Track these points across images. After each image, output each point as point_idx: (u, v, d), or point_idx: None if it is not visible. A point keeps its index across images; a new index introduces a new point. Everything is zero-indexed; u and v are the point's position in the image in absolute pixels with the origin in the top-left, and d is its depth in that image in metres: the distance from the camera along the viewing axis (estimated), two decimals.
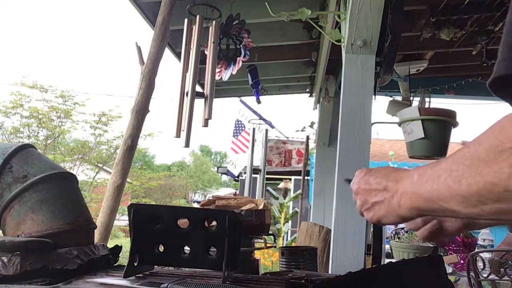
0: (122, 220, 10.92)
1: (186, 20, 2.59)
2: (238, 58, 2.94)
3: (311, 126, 5.87)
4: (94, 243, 1.21)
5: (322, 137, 5.38)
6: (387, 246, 3.16)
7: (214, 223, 1.02)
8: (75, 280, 1.00)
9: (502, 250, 2.66)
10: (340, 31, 2.19)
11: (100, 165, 11.19)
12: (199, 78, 2.65)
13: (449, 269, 2.86)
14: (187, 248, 1.06)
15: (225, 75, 3.03)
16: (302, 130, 6.39)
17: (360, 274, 1.05)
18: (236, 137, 8.73)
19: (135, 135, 2.90)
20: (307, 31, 3.78)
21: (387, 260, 2.48)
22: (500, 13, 3.10)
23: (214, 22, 2.65)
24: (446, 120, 2.80)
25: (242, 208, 1.62)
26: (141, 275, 1.06)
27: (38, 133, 10.65)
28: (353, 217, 1.98)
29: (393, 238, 3.36)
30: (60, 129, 10.69)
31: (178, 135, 2.48)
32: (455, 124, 2.85)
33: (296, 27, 3.77)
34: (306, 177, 6.74)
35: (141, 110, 2.90)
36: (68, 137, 12.30)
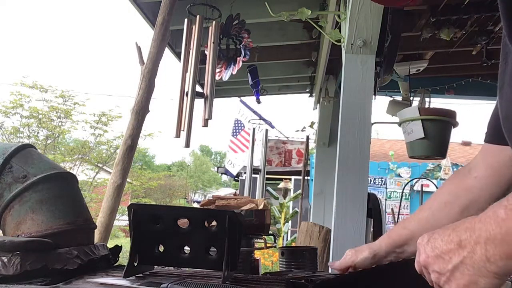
0: (122, 220, 10.93)
1: (186, 20, 2.59)
2: (238, 58, 2.94)
3: (311, 126, 5.87)
4: (94, 243, 1.21)
5: (322, 137, 5.38)
6: None
7: (214, 223, 1.02)
8: (75, 280, 0.99)
9: None
10: (340, 31, 2.19)
11: (100, 165, 11.20)
12: (199, 78, 2.65)
13: None
14: (187, 248, 1.06)
15: (225, 75, 3.03)
16: (302, 130, 6.40)
17: (360, 274, 1.05)
18: (235, 136, 8.73)
19: (135, 135, 2.90)
20: (307, 31, 3.78)
21: None
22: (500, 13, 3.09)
23: (214, 22, 2.64)
24: (446, 120, 2.81)
25: (242, 208, 1.62)
26: (141, 275, 1.06)
27: (38, 133, 10.66)
28: (353, 217, 1.98)
29: None
30: (60, 129, 10.70)
31: (178, 135, 2.48)
32: (455, 124, 2.85)
33: (296, 27, 3.76)
34: (306, 177, 6.74)
35: (141, 110, 2.90)
36: (68, 137, 12.32)
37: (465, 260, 0.57)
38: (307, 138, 6.71)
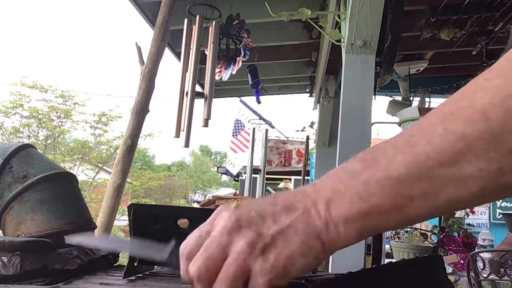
0: (122, 220, 10.92)
1: (186, 20, 2.59)
2: (238, 58, 2.94)
3: (311, 126, 5.87)
4: None
5: (322, 137, 5.38)
6: (387, 246, 3.16)
7: None
8: (75, 280, 0.99)
9: (502, 250, 2.66)
10: (340, 31, 2.19)
11: (100, 165, 11.20)
12: (199, 78, 2.65)
13: (449, 269, 2.86)
14: None
15: (225, 75, 3.03)
16: (302, 130, 6.39)
17: (360, 274, 1.05)
18: (235, 136, 8.73)
19: (135, 135, 2.90)
20: (307, 31, 3.78)
21: (387, 260, 2.48)
22: (500, 13, 3.10)
23: (214, 22, 2.65)
24: None
25: None
26: (141, 275, 1.06)
27: (38, 133, 10.66)
28: None
29: (393, 238, 3.36)
30: (60, 129, 10.70)
31: (177, 135, 2.48)
32: None
33: (296, 27, 3.77)
34: (306, 177, 6.74)
35: (141, 110, 2.90)
36: (68, 137, 12.32)
37: (296, 223, 0.43)
38: (307, 138, 6.71)
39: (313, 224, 0.43)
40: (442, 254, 3.01)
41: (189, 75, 2.52)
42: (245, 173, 9.12)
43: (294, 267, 0.43)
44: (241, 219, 0.45)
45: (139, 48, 3.09)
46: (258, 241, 0.43)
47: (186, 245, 0.49)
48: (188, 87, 2.50)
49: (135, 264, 1.04)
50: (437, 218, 3.69)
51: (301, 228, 0.43)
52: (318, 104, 5.43)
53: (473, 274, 2.46)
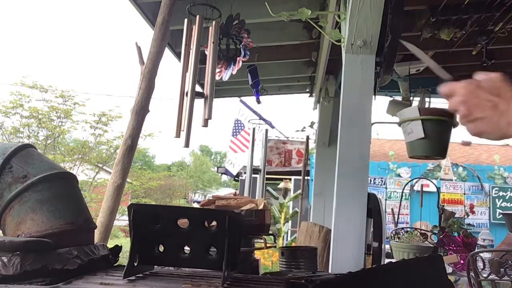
0: (122, 220, 10.92)
1: (186, 20, 2.59)
2: (238, 58, 2.94)
3: (311, 126, 5.86)
4: (94, 243, 1.21)
5: (322, 137, 5.38)
6: (387, 246, 3.16)
7: (214, 223, 1.02)
8: (75, 280, 0.99)
9: (502, 250, 2.66)
10: (340, 31, 2.19)
11: (100, 165, 11.19)
12: (199, 78, 2.64)
13: (449, 269, 2.86)
14: (187, 248, 1.06)
15: (225, 75, 3.03)
16: (302, 130, 6.39)
17: (360, 274, 1.05)
18: (235, 136, 8.72)
19: (135, 135, 2.90)
20: (307, 31, 3.78)
21: (387, 260, 2.48)
22: (500, 13, 3.10)
23: (214, 22, 2.64)
24: (446, 120, 2.80)
25: (242, 208, 1.62)
26: (141, 275, 1.06)
27: (38, 133, 10.65)
28: (353, 217, 1.98)
29: (393, 238, 3.36)
30: (60, 129, 10.69)
31: (178, 135, 2.48)
32: (455, 124, 2.85)
33: (296, 27, 3.77)
34: (306, 177, 6.74)
35: (141, 110, 2.90)
36: (68, 137, 12.31)
37: (491, 119, 0.78)
38: (307, 138, 6.70)
39: (500, 122, 0.78)
40: (442, 254, 3.01)
41: (189, 75, 2.52)
42: (245, 173, 9.12)
43: (485, 136, 0.81)
44: (469, 101, 0.82)
45: (139, 48, 3.08)
46: (468, 115, 0.82)
47: (449, 87, 0.87)
48: (188, 87, 2.50)
49: (135, 264, 1.04)
50: (437, 218, 3.69)
51: (494, 121, 0.79)
52: (318, 104, 5.43)
53: (473, 274, 2.47)
